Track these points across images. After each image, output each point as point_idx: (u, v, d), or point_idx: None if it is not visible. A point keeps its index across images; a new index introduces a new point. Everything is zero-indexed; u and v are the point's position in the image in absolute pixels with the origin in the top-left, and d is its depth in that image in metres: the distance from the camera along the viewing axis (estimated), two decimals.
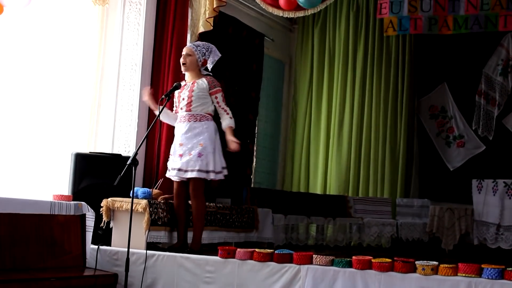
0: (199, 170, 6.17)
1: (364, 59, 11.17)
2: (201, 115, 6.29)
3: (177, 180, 6.34)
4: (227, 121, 6.36)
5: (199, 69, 6.45)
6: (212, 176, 6.23)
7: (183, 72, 6.51)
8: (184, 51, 6.45)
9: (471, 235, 9.00)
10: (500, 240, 8.75)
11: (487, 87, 10.75)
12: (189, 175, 6.21)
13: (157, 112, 6.28)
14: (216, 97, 6.35)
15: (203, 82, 6.34)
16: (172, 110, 6.63)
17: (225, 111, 6.38)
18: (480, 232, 8.90)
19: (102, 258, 6.04)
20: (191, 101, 6.29)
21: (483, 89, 10.76)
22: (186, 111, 6.30)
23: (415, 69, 11.22)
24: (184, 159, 6.23)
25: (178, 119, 6.39)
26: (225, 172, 6.39)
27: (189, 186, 6.29)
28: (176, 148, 6.32)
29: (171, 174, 6.35)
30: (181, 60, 6.43)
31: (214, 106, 6.37)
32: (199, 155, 6.18)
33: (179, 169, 6.25)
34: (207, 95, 6.33)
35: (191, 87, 6.34)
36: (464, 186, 9.63)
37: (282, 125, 11.59)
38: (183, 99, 6.34)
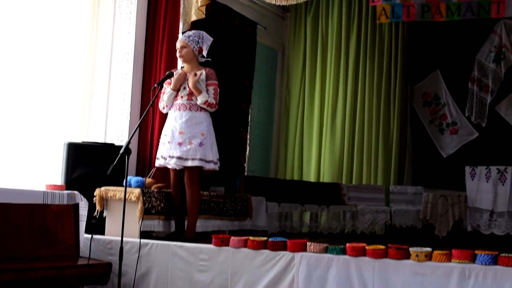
0: (200, 159, 6.20)
1: (357, 46, 11.15)
2: (201, 105, 6.30)
3: (176, 169, 6.32)
4: (204, 97, 6.28)
5: (196, 58, 6.47)
6: (211, 166, 6.27)
7: (182, 64, 6.53)
8: (178, 45, 6.45)
9: (465, 221, 9.03)
10: (493, 226, 8.78)
11: (480, 74, 10.75)
12: (190, 163, 6.21)
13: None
14: (208, 90, 6.33)
15: (203, 74, 6.36)
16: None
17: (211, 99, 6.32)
18: (473, 219, 8.92)
19: (96, 247, 6.03)
20: (190, 91, 6.30)
21: (476, 76, 10.76)
22: (188, 99, 6.30)
23: (408, 56, 11.22)
24: (184, 147, 6.22)
25: (176, 106, 6.35)
26: (219, 164, 6.41)
27: (185, 175, 6.28)
28: (175, 136, 6.27)
29: (169, 162, 6.29)
30: (177, 54, 6.45)
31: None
32: (200, 144, 6.21)
33: (179, 157, 6.23)
34: (204, 84, 6.33)
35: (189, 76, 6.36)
36: (457, 173, 9.65)
37: (275, 113, 11.58)
38: (184, 88, 6.33)
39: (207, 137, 6.27)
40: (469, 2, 9.16)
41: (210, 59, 6.58)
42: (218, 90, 6.41)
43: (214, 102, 6.30)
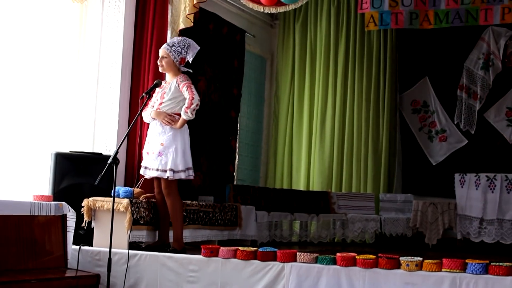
0: (157, 169, 6.23)
1: (346, 54, 11.15)
2: (168, 114, 6.26)
3: (157, 177, 6.32)
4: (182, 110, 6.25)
5: (177, 68, 6.44)
6: (168, 174, 6.17)
7: (163, 71, 6.52)
8: (160, 53, 6.44)
9: (455, 229, 9.04)
10: (483, 234, 8.78)
11: (468, 81, 10.77)
12: (149, 173, 6.30)
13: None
14: (181, 91, 6.31)
15: (173, 82, 6.35)
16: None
17: (186, 96, 6.28)
18: (463, 226, 8.93)
19: (84, 259, 5.99)
20: (162, 102, 6.32)
21: (465, 83, 10.78)
22: (157, 109, 6.31)
23: (397, 63, 11.22)
24: (149, 157, 6.31)
25: (147, 118, 6.44)
26: (190, 172, 6.34)
27: (161, 184, 6.29)
28: (145, 146, 6.43)
29: (142, 171, 6.42)
30: (158, 62, 6.45)
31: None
32: (159, 154, 6.23)
33: (145, 167, 6.35)
34: (177, 95, 6.31)
35: (165, 87, 6.38)
36: (447, 180, 9.67)
37: (264, 121, 11.56)
38: (157, 99, 6.37)
39: (168, 146, 6.21)
40: (457, 10, 9.19)
41: (191, 71, 6.55)
42: (192, 85, 6.32)
43: (189, 98, 6.20)
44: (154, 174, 6.25)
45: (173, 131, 6.24)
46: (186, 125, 6.32)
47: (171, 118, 6.22)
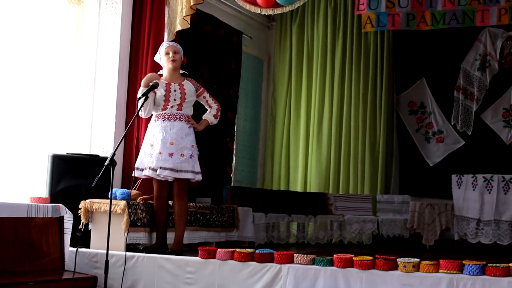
0: (192, 171, 6.20)
1: (343, 55, 11.16)
2: (187, 116, 6.31)
3: (162, 180, 6.25)
4: (208, 115, 6.53)
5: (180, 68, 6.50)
6: (199, 177, 6.27)
7: (173, 69, 6.39)
8: (172, 49, 6.41)
9: (452, 230, 9.04)
10: (480, 235, 8.79)
11: (465, 82, 10.77)
12: (183, 175, 6.17)
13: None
14: (204, 97, 6.48)
15: (190, 85, 6.39)
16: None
17: (211, 106, 6.55)
18: (460, 227, 8.93)
19: (81, 261, 5.98)
20: (182, 103, 6.28)
21: (462, 84, 10.78)
22: (178, 109, 6.27)
23: (394, 65, 11.23)
24: (176, 159, 6.14)
25: (166, 116, 6.26)
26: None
27: (174, 186, 6.25)
28: (166, 146, 6.16)
29: (161, 174, 6.13)
30: (171, 58, 6.35)
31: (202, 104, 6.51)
32: (191, 156, 6.20)
33: (171, 169, 6.13)
34: (194, 98, 6.39)
35: (180, 87, 6.30)
36: (444, 181, 9.66)
37: (261, 123, 11.56)
38: (174, 99, 6.26)
39: (195, 148, 6.30)
40: (454, 11, 9.21)
41: (186, 73, 6.56)
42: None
43: (218, 107, 6.54)
44: (189, 176, 6.19)
45: (193, 134, 6.34)
46: None
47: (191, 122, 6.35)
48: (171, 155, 6.14)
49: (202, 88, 6.49)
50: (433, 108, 11.07)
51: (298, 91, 11.40)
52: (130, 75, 7.71)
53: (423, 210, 9.15)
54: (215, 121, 6.54)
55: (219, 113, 6.53)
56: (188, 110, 6.36)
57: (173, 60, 6.35)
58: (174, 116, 6.25)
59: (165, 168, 6.12)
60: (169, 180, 6.25)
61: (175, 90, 6.29)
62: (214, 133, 9.25)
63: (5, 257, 5.35)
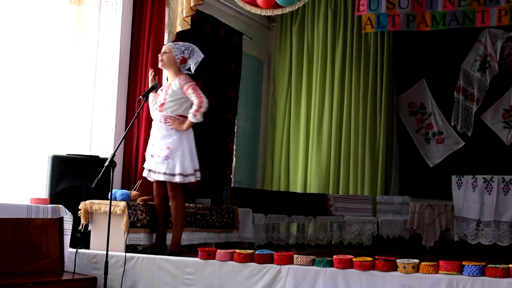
0: (164, 173, 6.17)
1: (343, 56, 11.16)
2: (168, 117, 6.22)
3: (158, 180, 6.28)
4: (189, 113, 6.20)
5: (177, 67, 6.39)
6: (177, 179, 6.14)
7: (159, 67, 6.48)
8: (162, 49, 6.45)
9: (452, 231, 9.03)
10: (480, 236, 8.79)
11: (465, 83, 10.78)
12: (156, 177, 6.23)
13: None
14: (188, 93, 6.23)
15: (175, 83, 6.29)
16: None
17: (193, 100, 6.21)
18: (460, 228, 8.93)
19: (81, 262, 5.98)
20: (164, 103, 6.26)
21: (462, 85, 10.79)
22: (159, 111, 6.28)
23: (394, 65, 11.22)
24: (154, 160, 6.24)
25: (155, 118, 6.35)
26: (198, 174, 6.32)
27: (167, 187, 6.25)
28: (149, 148, 6.35)
29: (144, 174, 6.36)
30: (159, 56, 6.40)
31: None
32: (166, 158, 6.16)
33: (150, 170, 6.28)
34: (180, 96, 6.26)
35: (167, 88, 6.32)
36: (444, 182, 9.65)
37: (261, 123, 11.56)
38: (159, 100, 6.31)
39: (175, 150, 6.16)
40: (454, 11, 9.22)
41: (191, 71, 6.51)
42: (197, 86, 6.29)
43: (198, 101, 6.15)
44: (161, 177, 6.17)
45: (179, 134, 6.18)
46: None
47: (174, 121, 6.18)
48: (152, 156, 6.28)
49: (188, 84, 6.23)
50: (433, 109, 11.07)
51: (298, 92, 11.40)
52: (130, 76, 7.71)
53: (423, 211, 9.14)
54: (197, 118, 6.15)
55: (201, 109, 6.13)
56: (174, 109, 6.22)
57: (160, 61, 6.38)
58: (159, 118, 6.27)
59: (148, 170, 6.30)
60: (152, 180, 6.34)
61: (161, 90, 6.34)
62: (214, 134, 9.25)
63: (5, 258, 5.35)
